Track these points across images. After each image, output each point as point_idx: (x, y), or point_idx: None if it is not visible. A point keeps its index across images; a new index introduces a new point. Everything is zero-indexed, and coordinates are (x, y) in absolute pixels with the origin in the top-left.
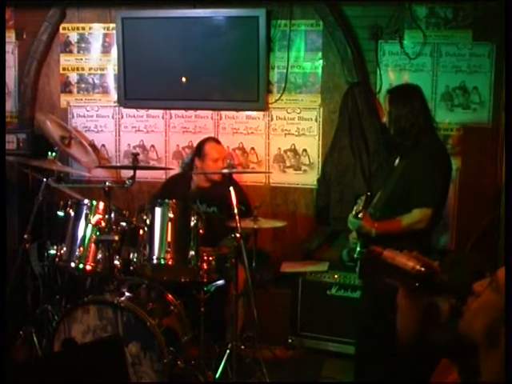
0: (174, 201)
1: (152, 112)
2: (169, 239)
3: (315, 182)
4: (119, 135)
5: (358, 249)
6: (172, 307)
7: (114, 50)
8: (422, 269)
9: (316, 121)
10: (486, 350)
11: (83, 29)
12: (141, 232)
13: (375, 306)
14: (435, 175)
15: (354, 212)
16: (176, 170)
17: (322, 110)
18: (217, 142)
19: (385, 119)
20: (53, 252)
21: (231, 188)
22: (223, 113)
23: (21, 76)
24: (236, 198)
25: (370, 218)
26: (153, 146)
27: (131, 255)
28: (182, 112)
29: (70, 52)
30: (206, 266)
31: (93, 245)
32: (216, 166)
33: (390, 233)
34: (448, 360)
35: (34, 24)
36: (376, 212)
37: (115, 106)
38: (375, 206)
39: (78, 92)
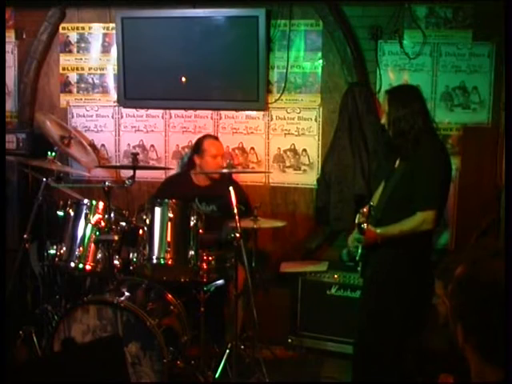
0: (173, 201)
1: (152, 112)
2: (168, 239)
3: (315, 182)
4: (119, 135)
5: (360, 251)
6: (172, 307)
7: (114, 50)
8: None
9: (316, 121)
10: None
11: (83, 29)
12: (140, 232)
13: (375, 305)
14: (436, 177)
15: (356, 221)
16: (176, 169)
17: (321, 109)
18: (215, 138)
19: (383, 120)
20: (52, 252)
21: (231, 188)
22: (223, 113)
23: (21, 76)
24: (236, 197)
25: (372, 228)
26: (152, 145)
27: (131, 255)
28: (182, 112)
29: (70, 52)
30: (205, 266)
31: (92, 245)
32: (215, 163)
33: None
34: (446, 374)
35: (34, 24)
36: (377, 214)
37: (115, 106)
38: (376, 208)
39: (78, 92)
